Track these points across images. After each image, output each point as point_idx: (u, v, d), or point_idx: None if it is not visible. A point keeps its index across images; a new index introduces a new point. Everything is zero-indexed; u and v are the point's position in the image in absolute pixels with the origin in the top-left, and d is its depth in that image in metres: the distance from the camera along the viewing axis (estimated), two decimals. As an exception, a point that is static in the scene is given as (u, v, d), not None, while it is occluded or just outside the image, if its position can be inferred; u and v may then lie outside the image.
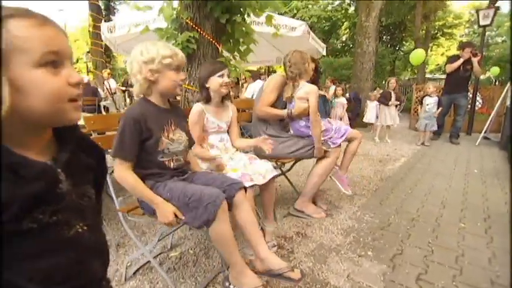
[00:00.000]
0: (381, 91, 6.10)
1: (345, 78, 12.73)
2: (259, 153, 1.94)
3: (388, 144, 5.21)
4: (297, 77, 2.09)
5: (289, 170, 2.49)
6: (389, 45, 20.02)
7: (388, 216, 2.24)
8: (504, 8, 16.26)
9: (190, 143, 1.45)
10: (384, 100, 5.47)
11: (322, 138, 2.12)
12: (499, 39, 20.73)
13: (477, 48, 5.75)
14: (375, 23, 7.02)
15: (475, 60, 5.01)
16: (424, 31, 15.93)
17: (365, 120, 6.27)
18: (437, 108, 5.01)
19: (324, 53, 6.23)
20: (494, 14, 6.00)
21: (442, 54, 25.04)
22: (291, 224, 2.08)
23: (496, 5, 6.01)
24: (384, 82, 13.39)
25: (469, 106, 6.26)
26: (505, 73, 11.78)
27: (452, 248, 1.80)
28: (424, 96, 5.14)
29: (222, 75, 1.70)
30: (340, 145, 2.17)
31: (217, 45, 2.48)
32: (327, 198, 2.58)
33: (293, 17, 18.20)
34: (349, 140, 2.26)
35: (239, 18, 2.43)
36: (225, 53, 2.63)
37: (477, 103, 7.29)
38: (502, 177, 3.30)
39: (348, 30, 22.08)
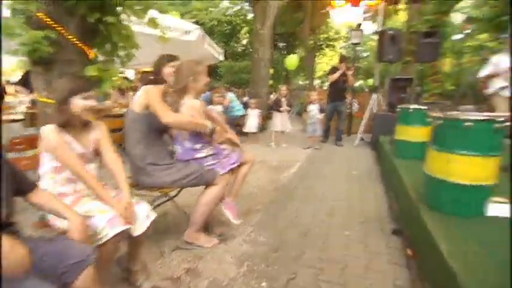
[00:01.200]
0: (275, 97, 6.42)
1: (244, 82, 13.10)
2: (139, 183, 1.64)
3: (284, 150, 5.52)
4: (182, 91, 1.87)
5: (176, 195, 2.23)
6: (284, 52, 21.74)
7: (283, 233, 2.24)
8: (367, 29, 19.70)
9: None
10: (276, 107, 5.75)
11: (211, 162, 1.95)
12: (365, 54, 24.94)
13: (350, 61, 6.69)
14: (269, 31, 7.37)
15: (349, 73, 5.77)
16: (312, 42, 17.86)
17: (245, 129, 6.14)
18: (321, 114, 5.60)
19: (221, 58, 6.17)
20: (361, 34, 7.12)
21: (327, 63, 28.80)
22: (180, 258, 1.84)
23: (361, 28, 7.09)
24: (279, 86, 14.43)
25: (348, 111, 7.26)
26: (373, 82, 14.02)
27: (338, 260, 1.89)
28: (308, 104, 5.66)
29: (86, 97, 1.35)
30: (229, 171, 2.01)
31: (86, 50, 2.03)
32: (220, 218, 2.43)
33: (193, 18, 17.76)
34: (240, 164, 2.10)
35: (113, 18, 2.04)
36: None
37: (354, 108, 8.55)
38: (373, 177, 3.82)
39: (247, 34, 22.91)
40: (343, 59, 6.01)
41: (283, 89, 5.88)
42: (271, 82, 9.33)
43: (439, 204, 1.90)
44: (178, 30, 4.11)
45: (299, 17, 16.47)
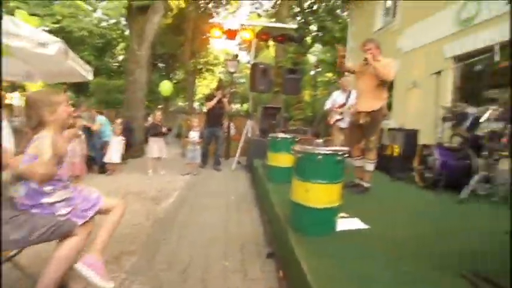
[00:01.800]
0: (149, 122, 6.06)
1: (119, 103, 12.00)
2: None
3: (162, 177, 5.25)
4: (38, 127, 1.53)
5: (15, 254, 1.73)
6: (164, 73, 21.20)
7: (161, 275, 2.08)
8: (243, 58, 21.66)
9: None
10: (152, 132, 5.47)
11: (64, 211, 1.61)
12: (242, 80, 27.14)
13: (228, 85, 7.16)
14: (147, 53, 7.05)
15: (225, 100, 6.11)
16: (192, 65, 18.14)
17: (106, 159, 5.29)
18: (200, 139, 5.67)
19: (90, 77, 5.47)
20: (237, 64, 7.75)
21: (207, 86, 29.77)
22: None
23: (237, 58, 7.74)
24: (158, 107, 13.89)
25: (225, 135, 7.62)
26: (248, 108, 15.23)
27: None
28: (189, 130, 5.65)
29: None
30: (91, 218, 1.73)
31: None
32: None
33: (56, 23, 15.30)
34: (106, 211, 1.78)
35: None
36: None
37: (231, 131, 9.05)
38: (249, 201, 4.06)
39: (124, 51, 21.32)
40: (220, 86, 6.34)
41: (157, 114, 5.68)
42: (148, 103, 8.88)
43: (301, 227, 2.17)
44: (30, 40, 3.39)
45: (180, 39, 16.56)
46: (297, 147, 2.20)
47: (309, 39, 16.02)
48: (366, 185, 3.50)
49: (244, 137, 6.77)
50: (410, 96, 7.64)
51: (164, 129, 5.51)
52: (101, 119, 5.79)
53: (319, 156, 2.03)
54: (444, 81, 5.87)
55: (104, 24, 19.34)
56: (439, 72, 4.38)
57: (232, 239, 2.76)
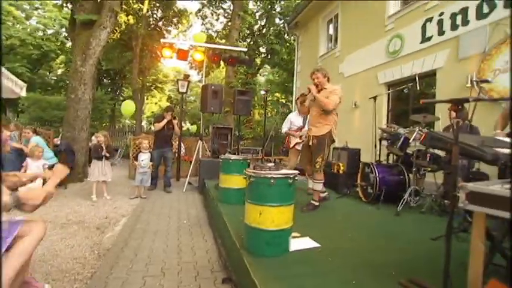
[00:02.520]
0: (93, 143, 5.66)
1: (58, 121, 11.02)
2: None
3: (108, 202, 4.89)
4: None
5: None
6: (110, 90, 20.10)
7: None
8: (194, 76, 21.64)
9: None
10: (95, 154, 5.09)
11: None
12: (192, 98, 26.88)
13: (177, 104, 7.07)
14: (92, 70, 6.66)
15: (175, 121, 6.01)
16: (141, 82, 17.53)
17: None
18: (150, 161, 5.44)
19: (24, 94, 5.00)
20: (188, 84, 7.73)
21: (156, 104, 28.87)
22: None
23: (188, 79, 7.73)
24: (104, 125, 13.05)
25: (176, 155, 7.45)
26: (198, 128, 15.16)
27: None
28: (139, 153, 5.40)
29: None
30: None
31: None
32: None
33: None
34: (20, 236, 1.57)
35: None
36: None
37: (182, 151, 8.87)
38: (202, 224, 3.99)
39: (64, 65, 19.83)
40: (169, 108, 6.23)
41: (100, 135, 5.23)
42: (94, 123, 8.32)
43: (256, 249, 2.21)
44: None
45: (128, 56, 15.99)
46: (250, 171, 2.27)
47: (258, 60, 16.70)
48: (315, 203, 3.69)
49: (195, 157, 6.67)
50: (353, 117, 8.33)
51: (106, 153, 5.09)
52: (36, 139, 5.26)
53: (272, 180, 2.12)
54: (380, 105, 6.54)
55: (40, 34, 17.84)
56: (375, 97, 4.88)
57: (186, 266, 2.67)
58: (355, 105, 8.28)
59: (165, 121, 5.82)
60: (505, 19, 4.60)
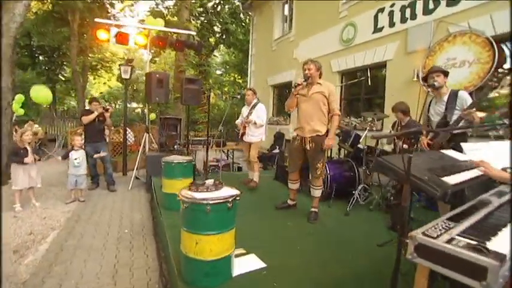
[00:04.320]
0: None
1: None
2: None
3: (36, 212, 4.25)
4: None
5: None
6: (47, 69, 17.88)
7: None
8: (145, 56, 20.12)
9: None
10: (16, 158, 4.18)
11: None
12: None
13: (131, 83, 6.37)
14: (7, 53, 5.63)
15: (107, 114, 5.35)
16: (82, 61, 15.80)
17: None
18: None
19: None
20: (132, 70, 7.02)
21: (105, 84, 26.50)
22: None
23: (132, 63, 6.99)
24: (38, 115, 11.60)
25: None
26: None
27: None
28: (70, 151, 4.73)
29: None
30: None
31: None
32: None
33: None
34: None
35: None
36: None
37: (130, 140, 8.19)
38: (146, 233, 3.66)
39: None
40: (93, 99, 5.57)
41: (28, 131, 4.33)
42: (22, 112, 7.22)
43: (195, 281, 1.99)
44: None
45: (64, 32, 14.18)
46: (183, 194, 1.99)
47: (212, 40, 15.90)
48: (316, 210, 3.51)
49: (141, 150, 6.16)
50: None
51: (30, 157, 4.19)
52: None
53: (208, 207, 1.87)
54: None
55: None
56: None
57: (123, 286, 2.38)
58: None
59: (95, 114, 5.18)
60: (448, 17, 4.69)
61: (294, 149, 3.47)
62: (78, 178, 4.64)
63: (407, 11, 5.31)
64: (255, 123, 4.68)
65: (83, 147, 4.90)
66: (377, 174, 4.60)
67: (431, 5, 4.94)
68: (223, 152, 6.92)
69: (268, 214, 3.68)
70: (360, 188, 3.98)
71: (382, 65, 5.94)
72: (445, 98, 2.99)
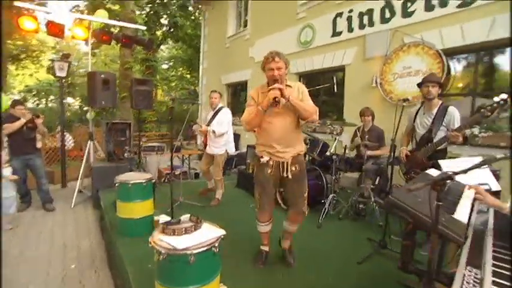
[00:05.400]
0: None
1: None
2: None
3: None
4: None
5: None
6: None
7: None
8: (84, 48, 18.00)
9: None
10: None
11: None
12: (82, 70, 22.63)
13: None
14: None
15: (39, 121, 4.41)
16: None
17: None
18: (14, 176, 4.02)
19: None
20: (69, 66, 6.10)
21: (31, 75, 23.14)
22: None
23: (69, 59, 6.05)
24: None
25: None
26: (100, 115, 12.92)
27: None
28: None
29: None
30: None
31: None
32: None
33: None
34: None
35: None
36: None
37: (68, 145, 7.18)
38: (99, 265, 3.12)
39: None
40: (16, 103, 4.52)
41: None
42: None
43: None
44: None
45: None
46: (158, 242, 1.63)
47: (159, 33, 14.87)
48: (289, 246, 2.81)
49: (85, 159, 5.39)
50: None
51: None
52: None
53: (192, 258, 1.54)
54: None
55: None
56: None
57: None
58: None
59: (20, 122, 4.25)
60: (403, 27, 4.88)
61: (267, 180, 2.43)
62: (5, 201, 3.82)
63: (365, 18, 5.42)
64: (213, 132, 4.20)
65: (8, 163, 4.04)
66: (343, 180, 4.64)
67: (387, 14, 5.09)
68: (178, 157, 6.43)
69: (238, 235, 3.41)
70: (330, 197, 3.93)
71: (341, 69, 6.02)
72: (434, 110, 2.94)
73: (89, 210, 4.80)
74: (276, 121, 2.37)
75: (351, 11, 5.66)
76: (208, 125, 4.38)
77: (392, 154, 2.92)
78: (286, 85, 2.37)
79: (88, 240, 3.75)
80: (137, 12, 11.68)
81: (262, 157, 2.44)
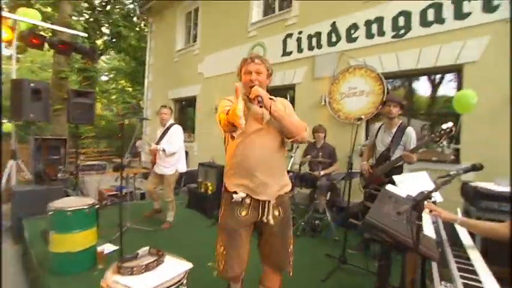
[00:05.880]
0: None
1: None
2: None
3: None
4: None
5: None
6: None
7: None
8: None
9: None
10: None
11: None
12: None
13: None
14: None
15: None
16: None
17: None
18: None
19: None
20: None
21: None
22: None
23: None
24: None
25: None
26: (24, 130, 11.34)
27: None
28: None
29: None
30: None
31: None
32: None
33: None
34: None
35: None
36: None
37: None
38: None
39: None
40: None
41: None
42: None
43: None
44: None
45: None
46: (111, 284, 1.36)
47: (100, 42, 13.86)
48: None
49: (4, 181, 4.57)
50: (214, 125, 7.94)
51: None
52: None
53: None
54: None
55: None
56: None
57: None
58: (215, 109, 7.93)
59: None
60: (348, 51, 5.26)
61: (239, 226, 1.75)
62: None
63: (314, 40, 5.72)
64: (163, 150, 3.94)
65: None
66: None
67: (334, 38, 5.45)
68: (123, 177, 5.86)
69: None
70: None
71: (291, 87, 6.21)
72: (394, 129, 3.11)
73: (7, 246, 4.02)
74: (257, 139, 1.74)
75: (300, 32, 5.93)
76: (158, 143, 4.09)
77: (349, 170, 3.01)
78: (270, 98, 1.77)
79: (4, 283, 3.10)
80: (74, 18, 10.71)
81: (235, 192, 1.73)
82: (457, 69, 4.29)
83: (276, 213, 1.77)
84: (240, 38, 7.26)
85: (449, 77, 4.58)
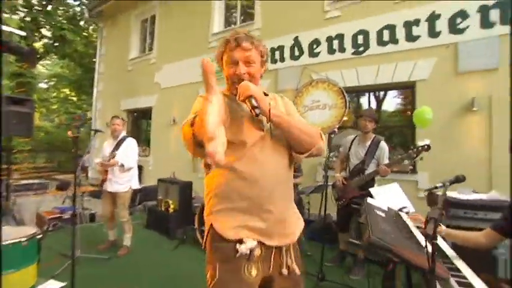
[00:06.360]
0: None
1: None
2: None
3: None
4: None
5: None
6: None
7: None
8: None
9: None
10: None
11: None
12: None
13: None
14: None
15: None
16: None
17: None
18: None
19: None
20: None
21: None
22: None
23: None
24: None
25: None
26: None
27: None
28: None
29: None
30: None
31: None
32: None
33: None
34: None
35: None
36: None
37: None
38: None
39: None
40: None
41: None
42: None
43: None
44: None
45: None
46: None
47: (39, 45, 12.55)
48: None
49: None
50: (173, 137, 7.56)
51: None
52: None
53: None
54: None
55: None
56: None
57: None
58: (174, 121, 7.56)
59: None
60: (310, 65, 5.38)
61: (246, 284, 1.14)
62: None
63: (277, 53, 5.76)
64: (122, 165, 3.59)
65: None
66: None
67: (296, 52, 5.54)
68: (69, 196, 5.20)
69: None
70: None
71: (254, 100, 6.14)
72: (368, 143, 3.16)
73: None
74: (260, 154, 1.17)
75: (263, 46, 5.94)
76: (110, 157, 3.67)
77: (325, 183, 2.98)
78: (264, 93, 1.27)
79: None
80: (6, 16, 9.55)
81: (241, 242, 1.13)
82: (411, 86, 4.60)
83: (290, 261, 1.24)
84: (201, 48, 7.06)
85: (392, 93, 4.97)
